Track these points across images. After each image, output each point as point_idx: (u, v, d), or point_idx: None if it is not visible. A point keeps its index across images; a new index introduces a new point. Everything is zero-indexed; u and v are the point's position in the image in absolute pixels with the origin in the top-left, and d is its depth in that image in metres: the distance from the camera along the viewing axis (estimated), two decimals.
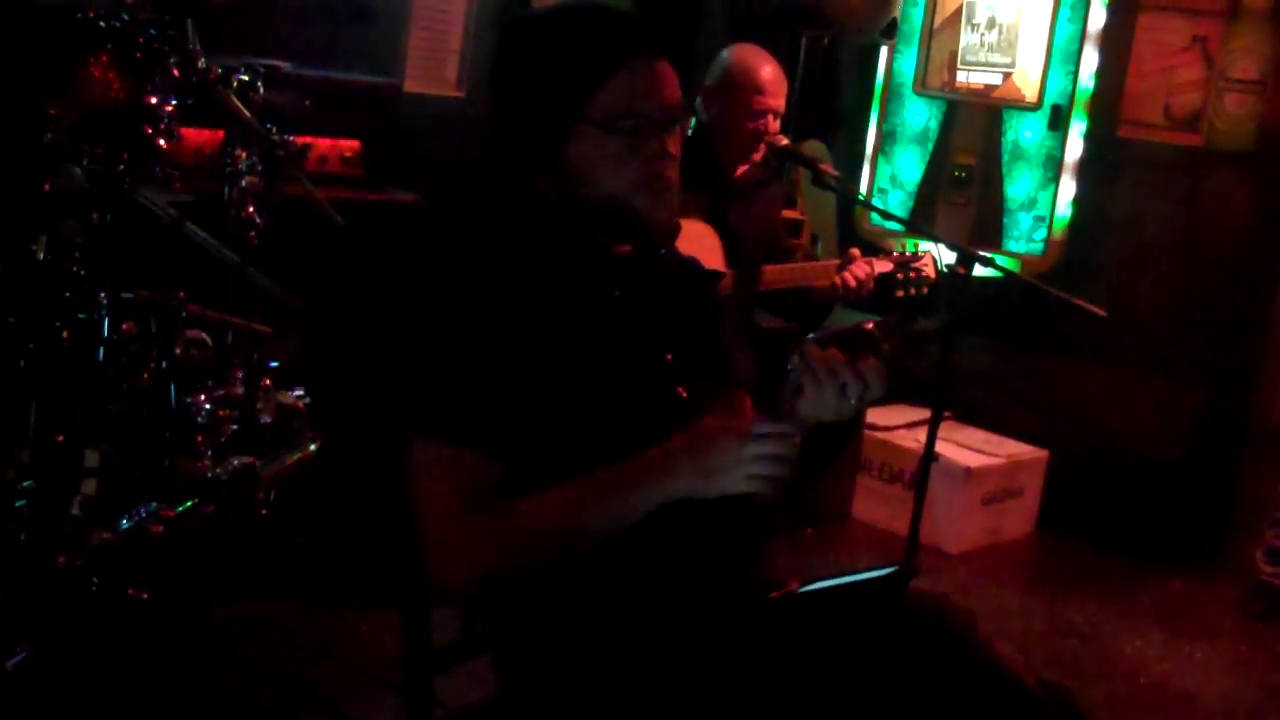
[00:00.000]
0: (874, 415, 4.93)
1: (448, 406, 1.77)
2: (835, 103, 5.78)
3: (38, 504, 2.37)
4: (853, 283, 3.70)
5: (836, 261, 3.81)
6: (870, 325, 1.71)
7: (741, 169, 3.75)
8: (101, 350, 2.44)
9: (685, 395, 1.90)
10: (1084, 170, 5.05)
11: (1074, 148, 5.03)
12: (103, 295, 2.47)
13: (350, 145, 4.05)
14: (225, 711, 2.90)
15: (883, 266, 3.77)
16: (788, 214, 4.69)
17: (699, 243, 2.15)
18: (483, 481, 1.75)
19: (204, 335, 2.78)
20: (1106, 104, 5.02)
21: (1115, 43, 4.98)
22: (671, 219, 1.96)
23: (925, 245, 3.88)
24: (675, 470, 1.72)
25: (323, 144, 3.91)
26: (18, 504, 2.36)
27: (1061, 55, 5.00)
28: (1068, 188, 5.04)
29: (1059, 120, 5.01)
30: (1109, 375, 5.01)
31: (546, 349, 1.80)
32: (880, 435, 4.93)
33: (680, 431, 1.73)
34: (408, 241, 3.90)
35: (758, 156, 3.71)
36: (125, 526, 2.39)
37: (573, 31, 1.91)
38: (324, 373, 3.15)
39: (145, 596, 2.38)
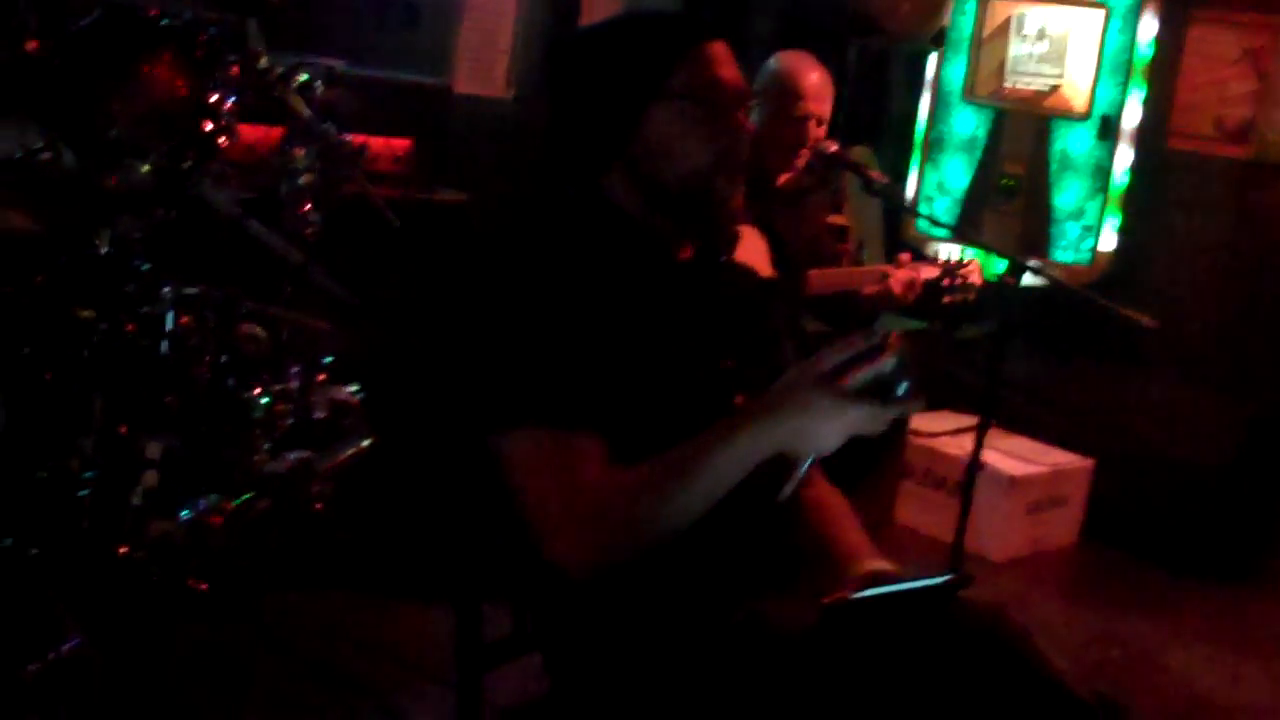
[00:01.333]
0: (918, 422, 4.92)
1: (549, 393, 1.77)
2: (884, 109, 5.78)
3: (100, 494, 2.40)
4: (898, 288, 3.69)
5: (884, 267, 3.81)
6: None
7: (786, 175, 3.75)
8: (164, 343, 2.47)
9: (742, 404, 1.91)
10: (1133, 182, 5.03)
11: (1123, 159, 5.00)
12: (166, 289, 2.50)
13: (401, 144, 4.08)
14: (274, 703, 2.93)
15: (929, 272, 3.76)
16: (834, 220, 4.68)
17: (748, 247, 2.17)
18: (591, 463, 1.75)
19: (259, 330, 2.80)
20: (1156, 116, 5.00)
21: (1166, 55, 4.96)
22: (736, 215, 1.98)
23: (972, 252, 3.88)
24: (776, 422, 1.69)
25: (374, 143, 3.94)
26: (80, 493, 2.40)
27: (1111, 66, 4.98)
28: (1116, 199, 5.02)
29: (1108, 131, 5.00)
30: (1156, 385, 4.99)
31: (618, 345, 1.82)
32: (925, 442, 4.92)
33: (780, 384, 1.71)
34: (464, 240, 3.92)
35: (801, 162, 3.71)
36: (185, 518, 2.41)
37: (639, 26, 1.99)
38: (377, 369, 3.17)
39: (204, 587, 2.41)
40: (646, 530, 1.74)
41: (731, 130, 1.92)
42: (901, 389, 1.63)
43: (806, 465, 1.78)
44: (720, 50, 1.93)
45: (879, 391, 1.63)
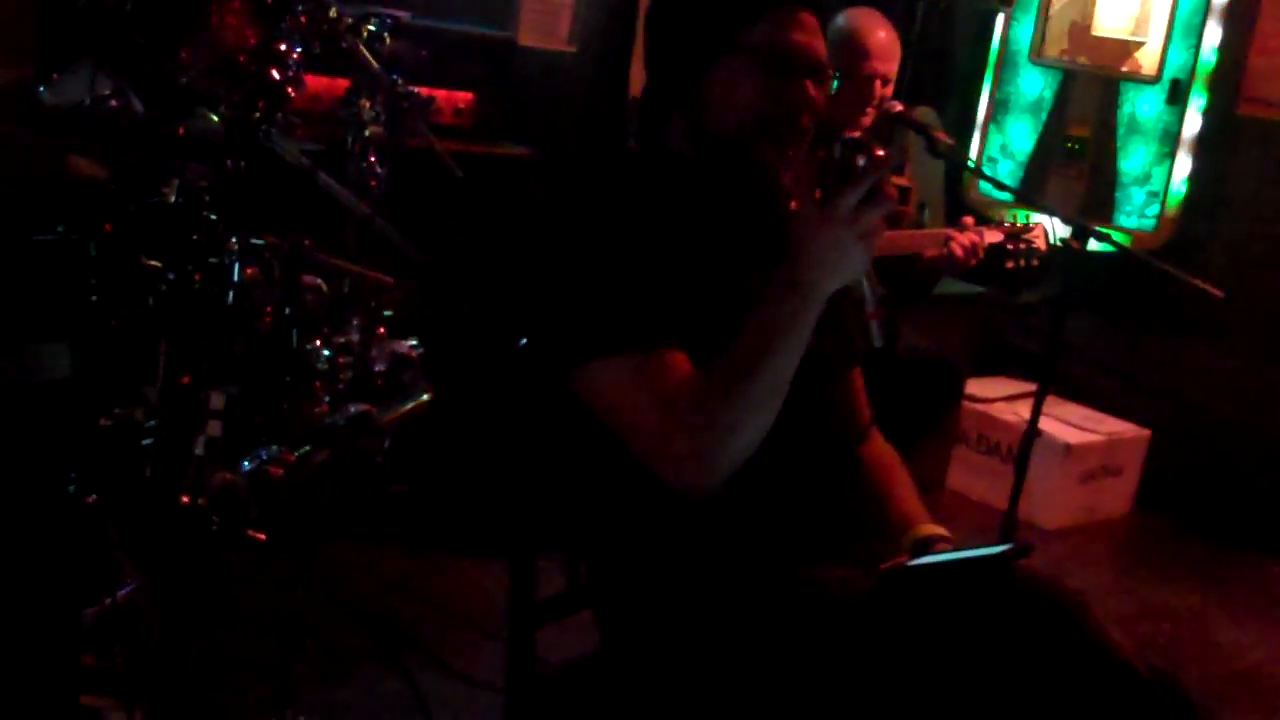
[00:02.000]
0: (974, 387, 4.90)
1: (630, 321, 1.78)
2: (949, 69, 5.72)
3: (163, 443, 2.43)
4: (960, 252, 3.66)
5: (947, 230, 3.78)
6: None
7: (851, 134, 3.73)
8: (230, 294, 2.49)
9: (827, 350, 1.92)
10: (1201, 146, 4.96)
11: (1192, 123, 4.93)
12: (233, 240, 2.51)
13: (464, 97, 4.07)
14: (326, 653, 2.97)
15: (993, 236, 3.72)
16: (896, 180, 4.65)
17: None
18: (680, 373, 1.77)
19: (320, 281, 2.81)
20: (1227, 80, 4.92)
21: (1239, 17, 4.88)
22: (780, 183, 1.96)
23: (1036, 217, 3.84)
24: (818, 281, 1.72)
25: (438, 95, 3.93)
26: (144, 442, 2.42)
27: (1184, 29, 4.90)
28: (1184, 164, 4.96)
29: (1178, 95, 4.93)
30: (1216, 356, 4.94)
31: (689, 284, 1.83)
32: (979, 407, 4.91)
33: (794, 246, 1.73)
34: (527, 192, 3.91)
35: (867, 121, 3.68)
36: (246, 468, 2.44)
37: None
38: (439, 324, 3.18)
39: (263, 538, 2.43)
40: (745, 419, 1.73)
41: (794, 96, 1.91)
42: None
43: (870, 296, 1.81)
44: (805, 18, 1.92)
45: (872, 190, 1.68)
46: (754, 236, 1.95)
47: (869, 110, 3.64)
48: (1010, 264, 3.72)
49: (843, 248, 1.69)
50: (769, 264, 1.78)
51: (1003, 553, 1.78)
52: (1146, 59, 4.98)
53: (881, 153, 1.69)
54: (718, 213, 1.94)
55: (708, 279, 1.87)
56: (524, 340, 1.97)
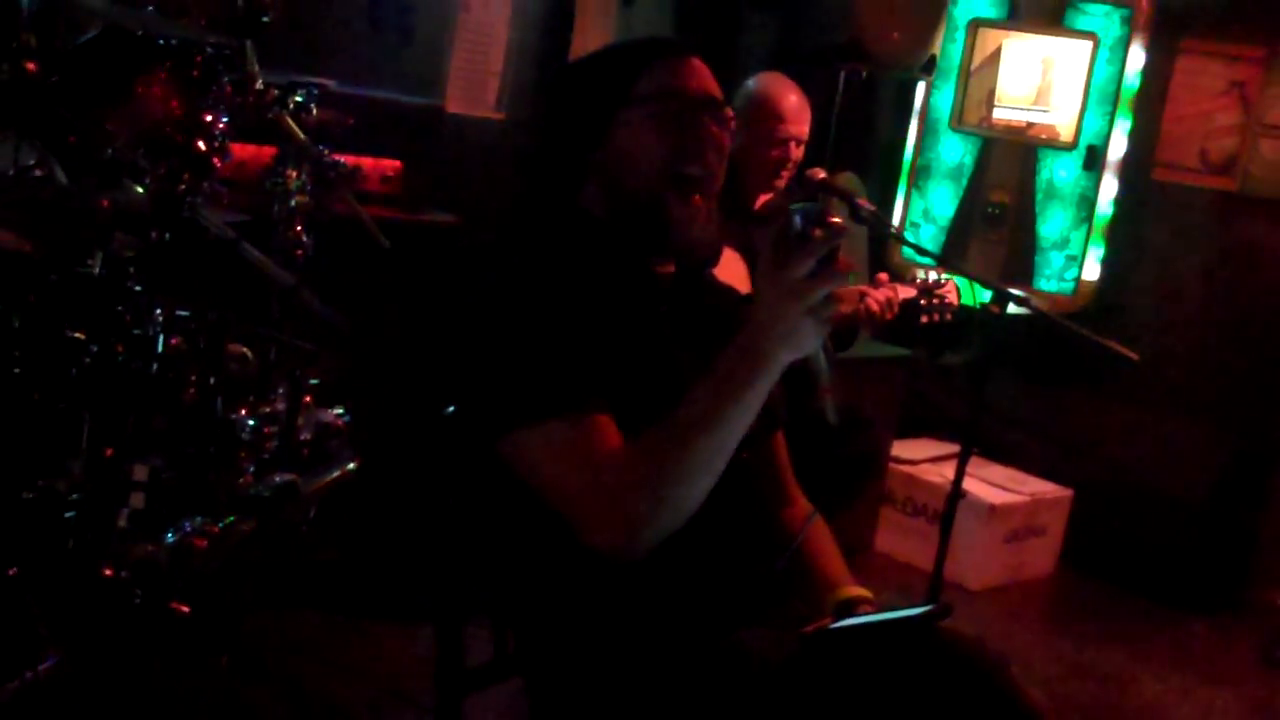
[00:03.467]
0: (899, 448, 4.95)
1: (557, 388, 1.78)
2: (871, 136, 5.81)
3: (85, 515, 2.41)
4: (875, 307, 3.71)
5: (862, 288, 3.84)
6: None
7: (765, 197, 3.78)
8: (155, 365, 2.48)
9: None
10: (1118, 211, 5.06)
11: (1108, 189, 5.04)
12: (158, 311, 2.51)
13: (392, 165, 4.08)
14: None
15: (906, 292, 3.78)
16: None
17: (728, 269, 2.19)
18: (610, 438, 1.76)
19: (246, 350, 2.81)
20: (1142, 147, 5.04)
21: (1153, 86, 5.00)
22: (707, 237, 1.99)
23: (948, 274, 3.89)
24: (770, 353, 1.70)
25: (365, 163, 3.95)
26: (67, 515, 2.40)
27: (1098, 96, 5.02)
28: (1101, 228, 5.06)
29: (1094, 161, 5.03)
30: (1136, 416, 5.02)
31: (611, 347, 1.84)
32: (905, 469, 4.95)
33: (750, 323, 1.71)
34: (454, 260, 3.91)
35: (780, 184, 3.73)
36: (170, 540, 2.42)
37: (616, 45, 2.10)
38: (364, 391, 3.18)
39: (186, 610, 2.41)
40: (676, 488, 1.72)
41: (695, 135, 1.94)
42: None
43: (826, 372, 1.79)
44: (689, 62, 1.98)
45: (825, 261, 1.64)
46: (673, 299, 1.97)
47: (783, 175, 3.69)
48: (924, 319, 3.77)
49: (793, 320, 1.67)
50: (688, 324, 1.80)
51: (924, 614, 1.80)
52: (1063, 126, 5.09)
53: (839, 220, 1.67)
54: (633, 273, 1.97)
55: (629, 342, 1.89)
56: (451, 408, 1.98)
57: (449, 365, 1.97)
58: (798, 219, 1.67)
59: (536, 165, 2.08)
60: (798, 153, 3.70)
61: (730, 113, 2.01)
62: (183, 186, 2.61)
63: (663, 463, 1.71)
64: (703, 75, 1.98)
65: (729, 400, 1.70)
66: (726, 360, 1.71)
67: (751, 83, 3.78)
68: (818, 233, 1.64)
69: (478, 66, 4.79)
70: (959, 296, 3.75)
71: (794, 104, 3.69)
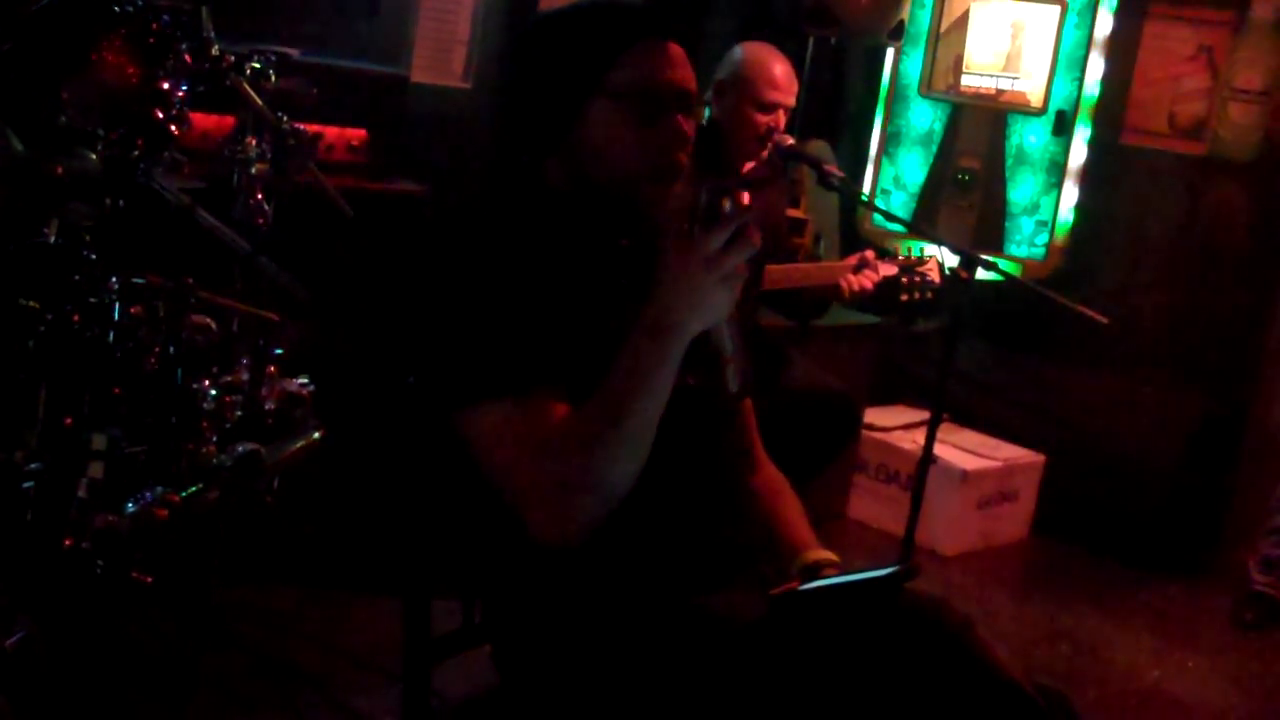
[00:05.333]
0: (872, 416, 4.96)
1: (505, 365, 1.77)
2: (841, 104, 5.80)
3: (45, 486, 2.38)
4: (857, 288, 3.72)
5: (840, 264, 3.83)
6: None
7: (748, 165, 3.77)
8: (111, 334, 2.45)
9: (692, 383, 1.91)
10: (1087, 176, 5.06)
11: (1078, 153, 5.04)
12: (114, 280, 2.47)
13: (357, 134, 4.04)
14: (220, 697, 2.91)
15: (887, 270, 3.78)
16: (792, 213, 4.70)
17: None
18: (556, 419, 1.75)
19: (209, 320, 2.78)
20: (1111, 111, 5.03)
21: (1121, 50, 5.00)
22: (665, 217, 1.97)
23: (930, 249, 3.90)
24: (682, 323, 1.70)
25: (329, 132, 3.91)
26: (25, 485, 2.37)
27: (1067, 61, 5.01)
28: (1070, 193, 5.06)
29: (1063, 126, 5.03)
30: (1108, 381, 5.03)
31: (567, 324, 1.82)
32: (878, 436, 4.95)
33: (658, 289, 1.72)
34: (418, 230, 3.89)
35: (765, 153, 3.72)
36: (130, 510, 2.39)
37: (590, 16, 1.96)
38: (329, 361, 3.15)
39: (149, 580, 2.38)
40: (610, 468, 1.72)
41: (668, 135, 1.90)
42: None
43: (728, 343, 1.82)
44: (668, 49, 1.92)
45: (737, 235, 1.66)
46: (634, 275, 1.95)
47: (769, 142, 3.67)
48: (905, 296, 3.78)
49: (705, 290, 1.67)
50: (642, 302, 1.79)
51: (891, 574, 1.80)
52: (1032, 92, 5.08)
53: (747, 198, 1.68)
54: (597, 250, 1.94)
55: (586, 318, 1.87)
56: (412, 379, 1.96)
57: (407, 336, 1.95)
58: (704, 192, 1.68)
59: (501, 136, 2.04)
60: (783, 121, 3.69)
61: (698, 100, 1.99)
62: (137, 153, 2.57)
63: (592, 442, 1.71)
64: (681, 64, 1.93)
65: (640, 374, 1.71)
66: (637, 333, 1.71)
67: (739, 50, 3.76)
68: (726, 203, 1.66)
69: (444, 35, 4.75)
70: (941, 275, 3.76)
71: (782, 72, 3.69)
